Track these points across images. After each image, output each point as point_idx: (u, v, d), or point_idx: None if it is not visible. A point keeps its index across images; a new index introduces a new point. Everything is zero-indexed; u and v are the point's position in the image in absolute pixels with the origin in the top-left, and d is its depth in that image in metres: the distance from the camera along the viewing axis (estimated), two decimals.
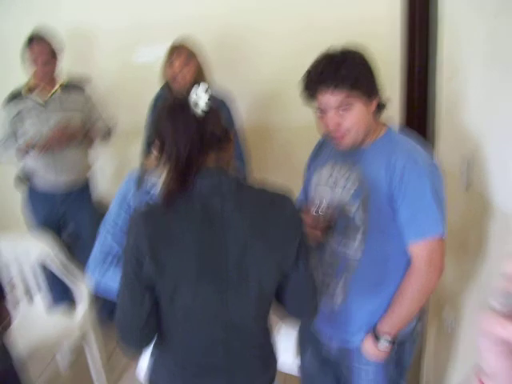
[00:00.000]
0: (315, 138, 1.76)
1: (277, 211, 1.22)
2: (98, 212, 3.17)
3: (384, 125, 1.59)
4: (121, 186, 1.60)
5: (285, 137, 3.31)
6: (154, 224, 1.17)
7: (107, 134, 3.03)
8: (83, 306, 2.61)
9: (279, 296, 1.31)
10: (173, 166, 1.18)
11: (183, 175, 1.17)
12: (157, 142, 1.23)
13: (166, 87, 2.73)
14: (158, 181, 1.53)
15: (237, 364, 1.29)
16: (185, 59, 2.62)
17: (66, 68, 2.95)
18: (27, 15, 3.17)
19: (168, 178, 1.19)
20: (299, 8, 3.06)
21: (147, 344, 1.28)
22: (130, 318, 1.22)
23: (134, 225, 1.18)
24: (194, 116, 1.17)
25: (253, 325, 1.29)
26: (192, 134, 1.16)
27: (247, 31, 3.14)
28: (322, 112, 1.51)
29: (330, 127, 1.50)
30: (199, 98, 1.18)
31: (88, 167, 3.08)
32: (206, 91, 1.19)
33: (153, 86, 3.00)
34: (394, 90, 2.52)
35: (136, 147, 3.43)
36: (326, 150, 1.71)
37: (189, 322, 1.24)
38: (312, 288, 1.32)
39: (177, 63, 2.62)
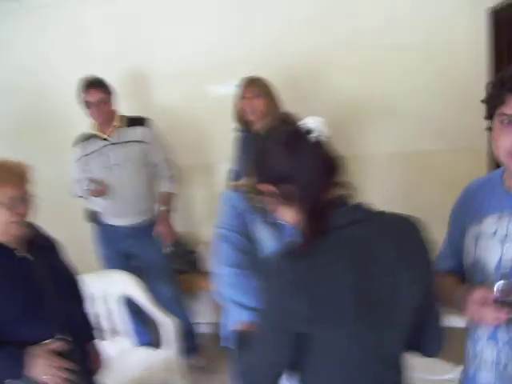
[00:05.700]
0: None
1: (412, 235, 1.17)
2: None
3: None
4: (221, 204, 1.66)
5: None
6: (303, 265, 1.05)
7: (172, 178, 3.03)
8: (171, 341, 2.58)
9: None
10: (309, 205, 1.09)
11: (322, 214, 1.08)
12: (274, 182, 1.12)
13: (244, 126, 2.75)
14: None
15: None
16: (257, 92, 2.66)
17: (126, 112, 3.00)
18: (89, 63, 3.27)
19: (306, 222, 1.09)
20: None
21: None
22: (267, 367, 1.16)
23: (279, 271, 1.08)
24: (316, 143, 1.09)
25: (399, 354, 1.22)
26: (320, 164, 1.08)
27: (320, 65, 3.14)
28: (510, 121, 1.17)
29: None
30: (311, 126, 1.10)
31: (151, 210, 3.05)
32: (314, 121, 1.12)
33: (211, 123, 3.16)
34: None
35: (199, 186, 3.49)
36: (482, 198, 1.39)
37: (345, 362, 1.15)
38: (440, 318, 1.25)
39: (248, 95, 2.67)
